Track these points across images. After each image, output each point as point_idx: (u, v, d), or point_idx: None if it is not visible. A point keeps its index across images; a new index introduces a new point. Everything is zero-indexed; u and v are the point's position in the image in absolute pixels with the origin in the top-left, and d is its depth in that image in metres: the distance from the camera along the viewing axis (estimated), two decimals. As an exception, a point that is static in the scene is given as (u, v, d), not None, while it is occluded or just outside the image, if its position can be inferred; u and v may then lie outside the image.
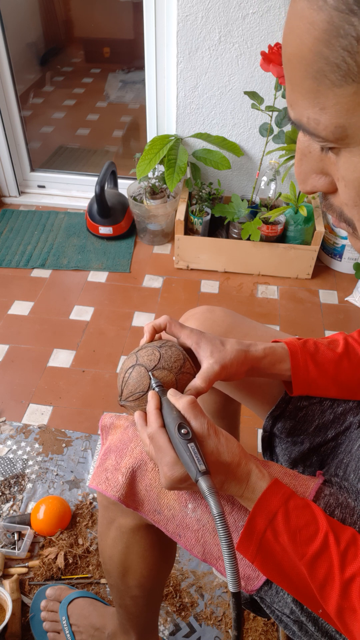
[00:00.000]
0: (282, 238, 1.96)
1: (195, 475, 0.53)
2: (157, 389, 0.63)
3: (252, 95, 1.75)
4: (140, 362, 0.66)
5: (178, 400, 0.60)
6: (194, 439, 0.56)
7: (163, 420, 0.59)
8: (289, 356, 0.71)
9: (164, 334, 0.73)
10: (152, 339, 0.70)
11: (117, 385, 0.69)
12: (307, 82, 0.34)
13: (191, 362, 0.68)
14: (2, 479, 1.33)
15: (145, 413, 0.64)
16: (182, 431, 0.56)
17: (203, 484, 0.53)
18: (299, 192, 1.92)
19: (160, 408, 0.61)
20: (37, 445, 1.41)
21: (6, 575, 1.15)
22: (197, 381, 0.65)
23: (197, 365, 0.69)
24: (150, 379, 0.65)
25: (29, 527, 1.21)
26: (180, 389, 0.66)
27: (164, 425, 0.59)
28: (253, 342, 0.71)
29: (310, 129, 0.36)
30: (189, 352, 0.70)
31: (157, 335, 0.72)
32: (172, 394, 0.61)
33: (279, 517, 0.55)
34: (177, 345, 0.69)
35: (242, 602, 0.71)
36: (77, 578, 1.16)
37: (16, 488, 1.31)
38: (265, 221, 1.89)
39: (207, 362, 0.66)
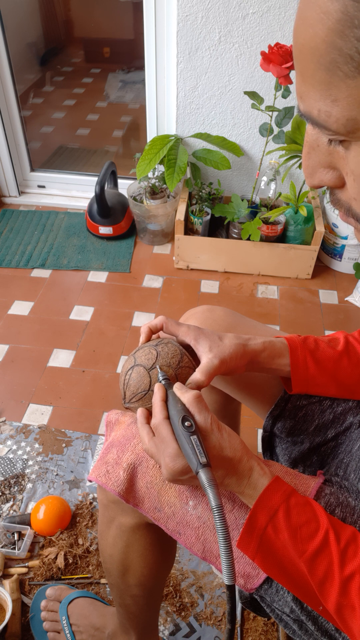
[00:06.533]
0: (282, 238, 1.96)
1: (196, 467, 0.54)
2: (163, 382, 0.64)
3: (252, 95, 1.75)
4: (139, 362, 0.67)
5: (183, 394, 0.60)
6: (196, 432, 0.56)
7: (168, 412, 0.60)
8: (288, 351, 0.71)
9: (162, 334, 0.73)
10: (148, 340, 0.70)
11: (119, 388, 0.70)
12: (319, 74, 0.34)
13: (189, 356, 0.69)
14: (2, 479, 1.33)
15: (148, 410, 0.65)
16: (186, 424, 0.56)
17: (203, 476, 0.53)
18: (299, 192, 1.92)
19: (165, 400, 0.61)
20: (37, 445, 1.41)
21: (6, 575, 1.15)
22: (197, 375, 0.65)
23: (196, 361, 0.69)
24: (149, 377, 0.65)
25: (29, 527, 1.21)
26: (181, 383, 0.66)
27: (168, 417, 0.59)
28: (252, 336, 0.71)
29: (320, 122, 0.36)
30: (188, 348, 0.70)
31: (154, 336, 0.72)
32: (177, 388, 0.62)
33: (280, 513, 0.55)
34: (173, 342, 0.69)
35: (242, 601, 0.72)
36: (77, 578, 1.16)
37: (16, 488, 1.31)
38: (265, 221, 1.89)
39: (207, 357, 0.66)
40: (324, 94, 0.34)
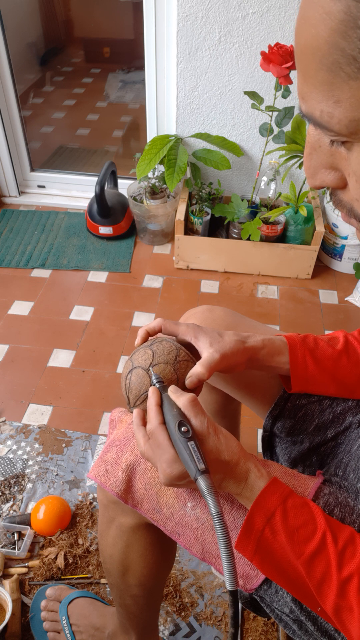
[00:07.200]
0: (282, 238, 1.96)
1: (194, 474, 0.53)
2: (157, 385, 0.63)
3: (252, 95, 1.75)
4: (136, 364, 0.67)
5: (179, 397, 0.60)
6: (193, 437, 0.56)
7: (163, 417, 0.59)
8: (287, 349, 0.72)
9: (161, 336, 0.73)
10: (144, 342, 0.70)
11: (123, 394, 0.69)
12: (321, 74, 0.33)
13: (185, 350, 0.69)
14: (2, 479, 1.33)
15: (144, 411, 0.64)
16: (182, 429, 0.56)
17: (202, 483, 0.53)
18: (299, 192, 1.92)
19: (160, 404, 0.61)
20: (37, 445, 1.41)
21: (6, 575, 1.15)
22: (198, 368, 0.65)
23: (197, 358, 0.69)
24: (149, 378, 0.65)
25: (29, 527, 1.21)
26: (181, 378, 0.66)
27: (164, 422, 0.59)
28: (252, 334, 0.72)
29: (323, 123, 0.35)
30: (188, 347, 0.70)
31: (151, 337, 0.72)
32: (172, 391, 0.61)
33: (277, 516, 0.55)
34: (167, 339, 0.69)
35: (242, 601, 0.72)
36: (77, 578, 1.16)
37: (16, 488, 1.31)
38: (265, 221, 1.89)
39: (207, 352, 0.66)
40: (326, 95, 0.34)
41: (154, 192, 2.03)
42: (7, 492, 1.30)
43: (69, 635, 1.00)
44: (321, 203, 2.07)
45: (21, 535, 1.20)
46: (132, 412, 0.68)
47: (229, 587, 0.50)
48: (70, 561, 1.18)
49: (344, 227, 1.93)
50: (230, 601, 0.51)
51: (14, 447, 1.41)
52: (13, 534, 1.20)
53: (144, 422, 0.63)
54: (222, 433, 0.59)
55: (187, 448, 0.54)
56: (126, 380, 0.67)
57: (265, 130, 1.82)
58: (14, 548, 1.18)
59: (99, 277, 1.99)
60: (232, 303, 1.89)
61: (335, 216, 1.94)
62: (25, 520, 1.23)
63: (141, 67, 1.98)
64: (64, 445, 1.41)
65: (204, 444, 0.57)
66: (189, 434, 0.55)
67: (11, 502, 1.29)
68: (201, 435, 0.57)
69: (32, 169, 2.38)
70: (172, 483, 0.58)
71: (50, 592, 1.08)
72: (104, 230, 2.11)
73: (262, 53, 1.56)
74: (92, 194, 2.15)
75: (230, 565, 0.49)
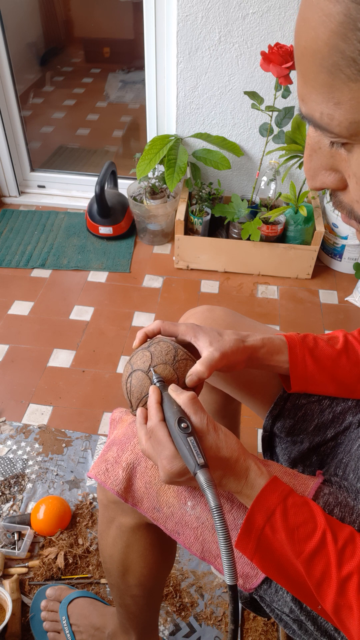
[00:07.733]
0: (282, 238, 1.96)
1: (193, 469, 0.54)
2: (157, 384, 0.64)
3: (252, 95, 1.75)
4: (135, 367, 0.67)
5: (179, 395, 0.60)
6: (193, 433, 0.56)
7: (164, 414, 0.60)
8: (287, 348, 0.72)
9: (159, 337, 0.73)
10: (142, 344, 0.70)
11: (125, 398, 0.70)
12: (321, 76, 0.33)
13: (184, 349, 0.69)
14: (2, 479, 1.33)
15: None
16: (182, 425, 0.56)
17: (201, 476, 0.53)
18: (299, 192, 1.92)
19: (161, 402, 0.61)
20: (37, 445, 1.41)
21: (6, 575, 1.15)
22: (198, 367, 0.65)
23: (197, 357, 0.69)
24: (149, 379, 0.65)
25: (29, 527, 1.21)
26: (181, 377, 0.66)
27: (164, 419, 0.59)
28: (251, 333, 0.72)
29: (323, 125, 0.35)
30: (188, 346, 0.70)
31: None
32: (172, 389, 0.62)
33: (277, 514, 0.55)
34: (165, 339, 0.69)
35: (242, 601, 0.72)
36: (77, 578, 1.16)
37: (16, 488, 1.31)
38: (265, 221, 1.89)
39: (207, 350, 0.66)
40: (326, 97, 0.34)
41: (154, 192, 2.03)
42: (7, 492, 1.30)
43: (69, 635, 1.00)
44: (321, 203, 2.07)
45: (21, 535, 1.21)
46: (134, 415, 0.68)
47: (228, 581, 0.50)
48: (70, 561, 1.18)
49: (344, 227, 1.93)
50: (230, 597, 0.51)
51: (14, 447, 1.41)
52: (13, 534, 1.21)
53: (146, 421, 0.63)
54: (221, 430, 0.59)
55: (186, 444, 0.55)
56: (127, 384, 0.67)
57: (265, 130, 1.82)
58: (14, 548, 1.18)
59: (99, 277, 1.99)
60: (232, 303, 1.89)
61: (335, 216, 1.94)
62: (25, 520, 1.24)
63: (141, 67, 1.98)
64: (64, 445, 1.41)
65: (203, 441, 0.57)
66: (188, 430, 0.56)
67: (11, 502, 1.29)
68: (200, 432, 0.57)
69: (32, 169, 2.39)
70: (172, 480, 0.58)
71: (50, 592, 1.08)
72: (104, 230, 2.11)
73: (262, 53, 1.56)
74: (92, 194, 2.15)
75: (230, 559, 0.49)
